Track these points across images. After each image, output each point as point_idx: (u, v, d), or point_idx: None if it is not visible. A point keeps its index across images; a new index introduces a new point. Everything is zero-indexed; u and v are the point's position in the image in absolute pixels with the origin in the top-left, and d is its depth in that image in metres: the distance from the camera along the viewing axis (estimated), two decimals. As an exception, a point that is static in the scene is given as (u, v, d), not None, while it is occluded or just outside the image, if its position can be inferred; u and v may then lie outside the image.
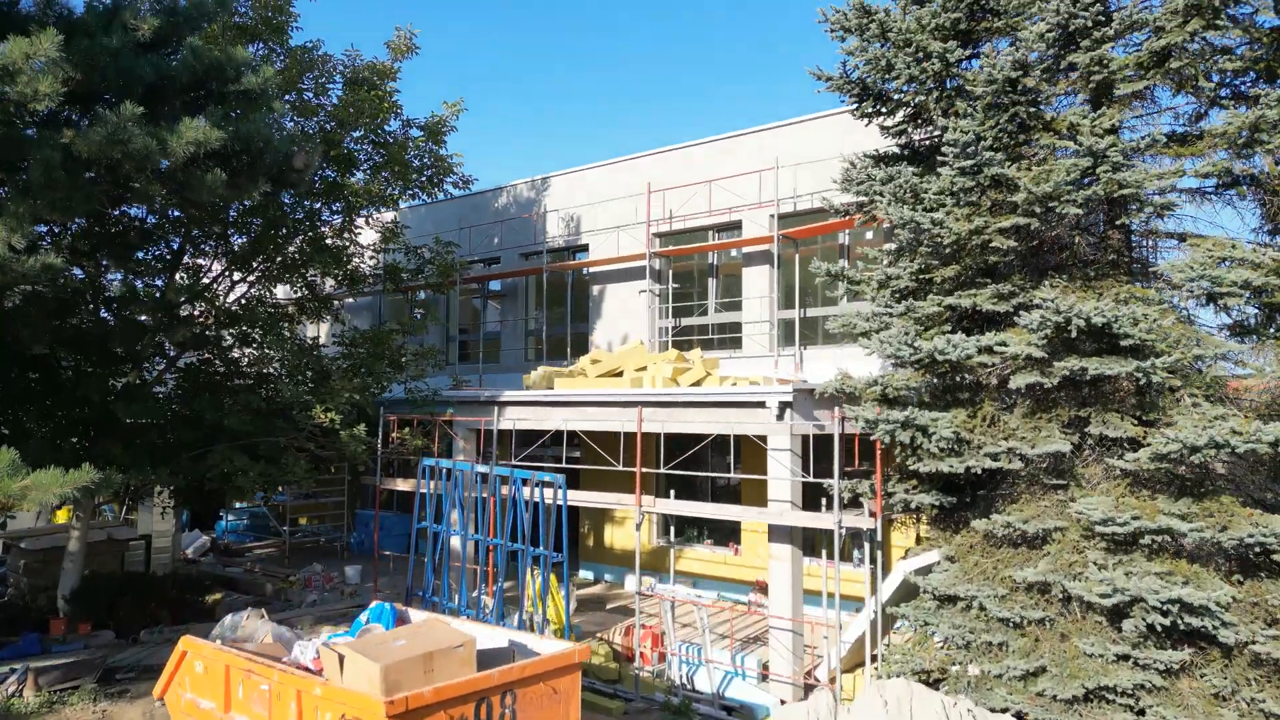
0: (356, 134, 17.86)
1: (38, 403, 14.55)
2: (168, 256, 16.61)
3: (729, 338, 18.62)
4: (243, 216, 16.61)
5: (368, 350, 17.73)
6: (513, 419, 15.52)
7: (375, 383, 16.96)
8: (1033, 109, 9.54)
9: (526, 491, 12.88)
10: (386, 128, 18.19)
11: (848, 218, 13.67)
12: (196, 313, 15.72)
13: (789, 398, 12.10)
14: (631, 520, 18.24)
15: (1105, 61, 9.27)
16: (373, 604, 9.80)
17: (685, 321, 19.41)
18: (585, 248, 20.99)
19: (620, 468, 14.51)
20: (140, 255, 16.00)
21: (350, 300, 23.22)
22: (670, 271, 19.65)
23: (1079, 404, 9.90)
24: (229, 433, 15.00)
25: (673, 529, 19.06)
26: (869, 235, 16.40)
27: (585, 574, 20.59)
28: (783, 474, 12.23)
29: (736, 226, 18.42)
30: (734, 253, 18.56)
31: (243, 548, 24.29)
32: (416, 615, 9.44)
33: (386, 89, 17.38)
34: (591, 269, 20.51)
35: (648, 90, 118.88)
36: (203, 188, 11.58)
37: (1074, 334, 8.93)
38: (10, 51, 9.60)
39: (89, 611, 15.76)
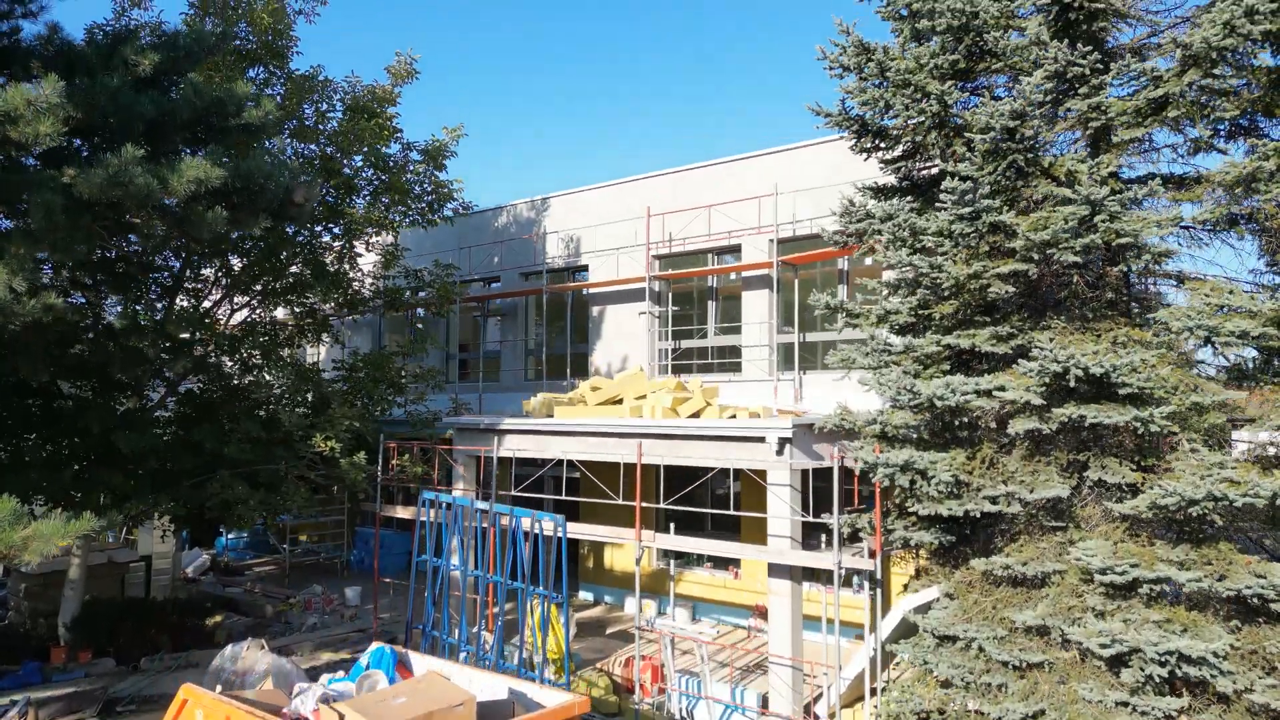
0: (357, 160, 17.90)
1: (38, 431, 14.57)
2: (168, 281, 16.64)
3: (729, 361, 18.64)
4: (243, 240, 16.64)
5: (367, 374, 17.77)
6: (512, 448, 15.53)
7: (375, 406, 16.99)
8: (1030, 154, 9.56)
9: (526, 524, 12.89)
10: (387, 151, 18.21)
11: (846, 246, 13.69)
12: (196, 338, 15.72)
13: (788, 433, 12.12)
14: (631, 544, 18.26)
15: (1103, 108, 9.30)
16: (373, 647, 9.80)
17: (685, 344, 19.43)
18: (585, 268, 21.02)
19: (620, 501, 14.51)
20: (140, 279, 16.03)
21: (351, 319, 23.22)
22: (670, 294, 19.67)
23: (1078, 447, 9.92)
24: (229, 460, 15.04)
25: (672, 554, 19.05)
26: (868, 261, 16.39)
27: (585, 595, 20.61)
28: (782, 510, 12.25)
29: (736, 250, 18.45)
30: (733, 275, 18.58)
31: (243, 565, 24.32)
32: (417, 660, 9.46)
33: (386, 114, 17.40)
34: (591, 290, 20.53)
35: (648, 94, 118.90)
36: (204, 224, 11.61)
37: (1072, 382, 8.96)
38: (12, 98, 9.62)
39: (90, 639, 15.77)
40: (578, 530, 14.04)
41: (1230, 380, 9.74)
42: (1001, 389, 9.69)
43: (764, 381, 17.62)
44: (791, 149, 17.69)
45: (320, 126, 17.82)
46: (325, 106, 17.57)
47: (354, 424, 15.38)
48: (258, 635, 19.17)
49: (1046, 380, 9.10)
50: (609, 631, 17.62)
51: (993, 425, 10.52)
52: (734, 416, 14.07)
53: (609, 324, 20.52)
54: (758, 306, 18.07)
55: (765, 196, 17.32)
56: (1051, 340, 10.06)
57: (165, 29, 15.21)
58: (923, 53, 10.98)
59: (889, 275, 12.31)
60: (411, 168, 17.89)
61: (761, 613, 17.05)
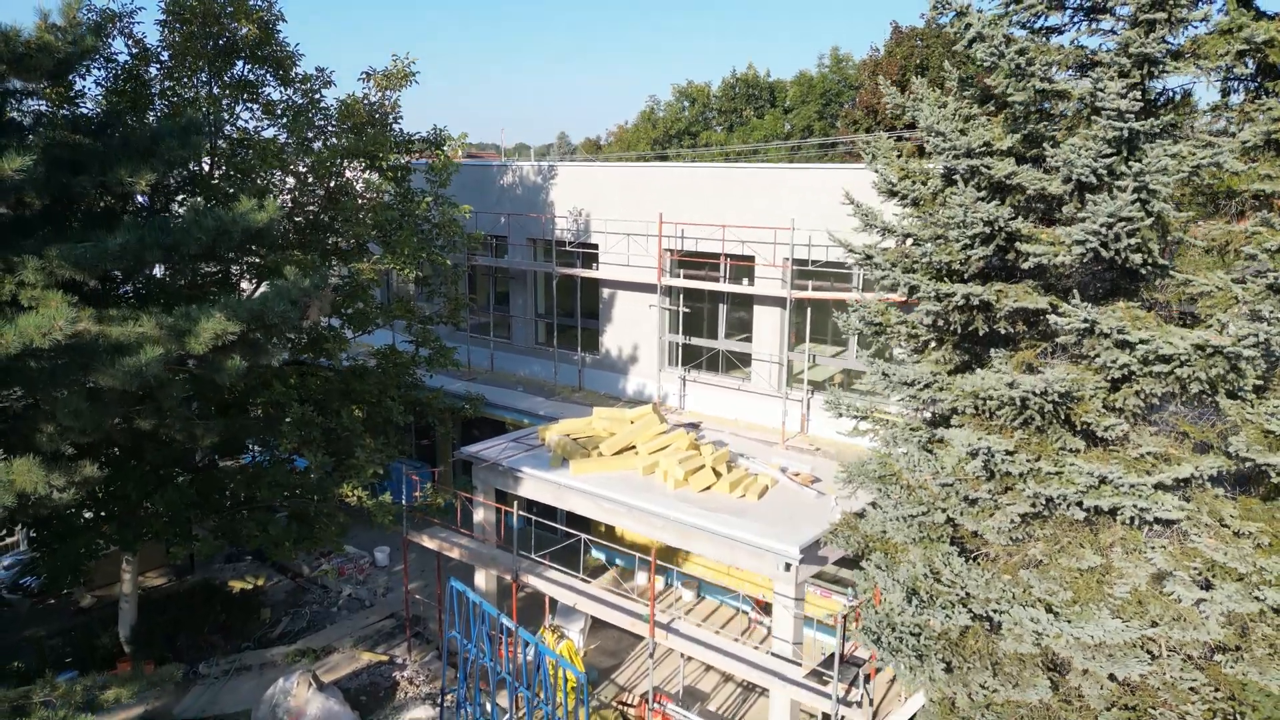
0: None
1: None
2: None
3: (738, 363, 18.92)
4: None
5: (384, 368, 18.04)
6: (530, 492, 16.24)
7: (393, 430, 17.41)
8: (1050, 410, 9.59)
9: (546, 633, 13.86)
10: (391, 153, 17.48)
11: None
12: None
13: (796, 558, 12.83)
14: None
15: (1122, 365, 9.24)
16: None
17: (695, 341, 19.59)
18: (595, 247, 20.68)
19: (637, 600, 15.14)
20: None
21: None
22: (681, 291, 19.53)
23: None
24: (260, 502, 15.95)
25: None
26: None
27: (597, 555, 22.03)
28: (786, 620, 13.21)
29: (750, 258, 18.22)
30: (745, 281, 18.46)
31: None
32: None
33: (389, 138, 16.65)
34: (601, 272, 20.39)
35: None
36: (225, 372, 11.79)
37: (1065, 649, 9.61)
38: (25, 328, 9.53)
39: (150, 648, 17.22)
40: (595, 608, 15.04)
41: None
42: (999, 611, 10.33)
43: (773, 397, 18.02)
44: (810, 168, 17.05)
45: (324, 126, 17.07)
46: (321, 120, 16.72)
47: (378, 470, 16.01)
48: (297, 604, 20.85)
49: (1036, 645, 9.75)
50: (622, 619, 19.10)
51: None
52: (744, 496, 14.70)
53: (619, 308, 20.55)
54: (769, 319, 18.11)
55: (782, 229, 16.88)
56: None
57: (153, 117, 14.32)
58: (951, 234, 10.63)
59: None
60: (420, 200, 17.23)
61: (761, 605, 18.45)
